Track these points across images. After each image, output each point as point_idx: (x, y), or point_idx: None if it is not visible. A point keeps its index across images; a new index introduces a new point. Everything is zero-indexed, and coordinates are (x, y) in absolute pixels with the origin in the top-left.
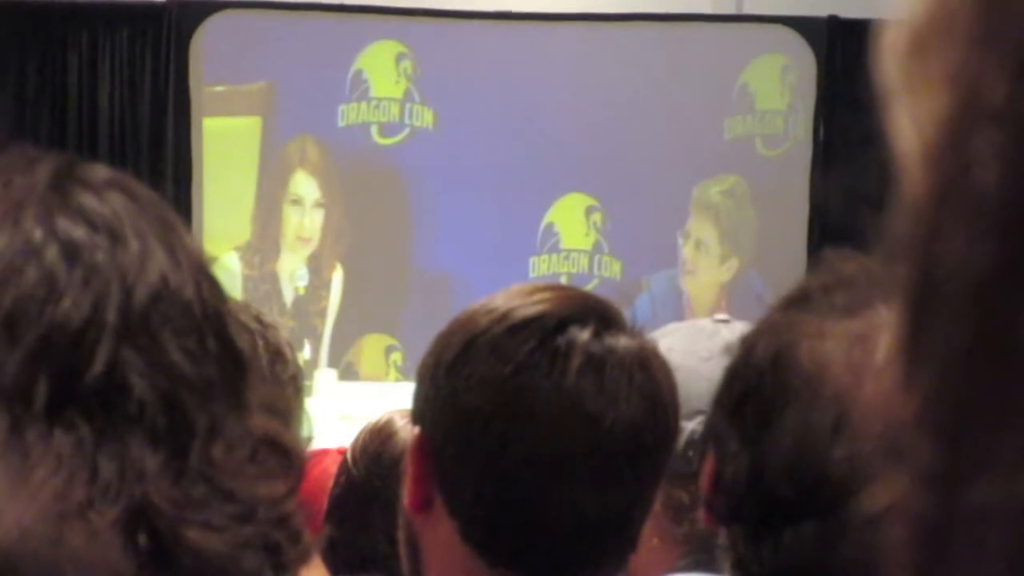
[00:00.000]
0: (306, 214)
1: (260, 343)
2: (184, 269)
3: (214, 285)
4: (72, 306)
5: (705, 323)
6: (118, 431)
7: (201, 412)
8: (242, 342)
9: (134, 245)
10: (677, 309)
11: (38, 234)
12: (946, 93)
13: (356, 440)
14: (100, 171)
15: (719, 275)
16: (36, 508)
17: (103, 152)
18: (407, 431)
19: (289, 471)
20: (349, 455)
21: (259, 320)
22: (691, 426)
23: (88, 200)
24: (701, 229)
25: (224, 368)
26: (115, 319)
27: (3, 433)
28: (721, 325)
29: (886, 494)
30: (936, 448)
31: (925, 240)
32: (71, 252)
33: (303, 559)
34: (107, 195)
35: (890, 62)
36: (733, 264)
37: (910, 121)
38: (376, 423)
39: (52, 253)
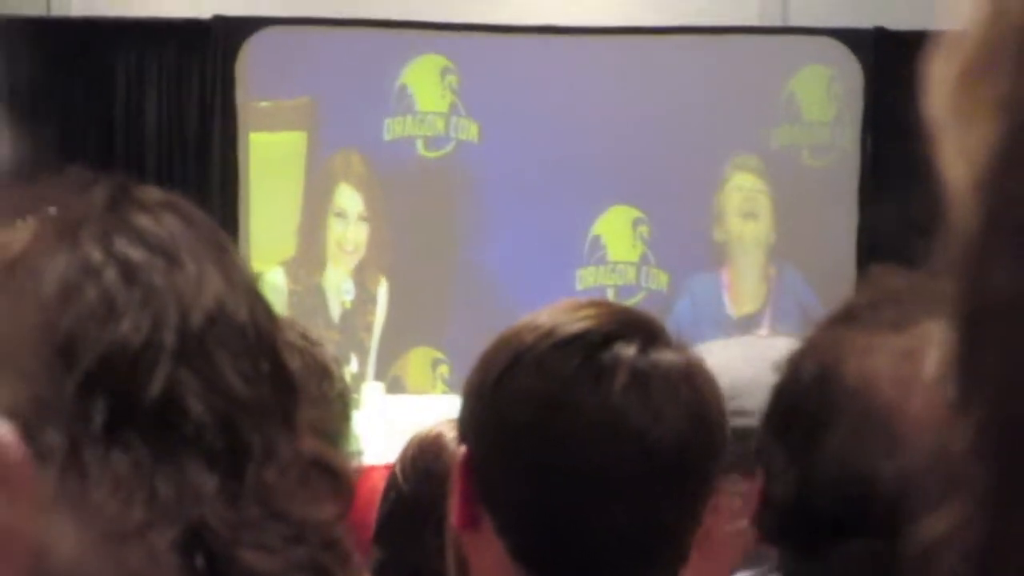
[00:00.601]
0: (350, 226)
1: (307, 361)
2: (238, 292)
3: (266, 308)
4: (131, 328)
5: (751, 338)
6: (175, 453)
7: (256, 434)
8: (293, 364)
9: (191, 267)
10: (719, 309)
11: (97, 255)
12: (996, 120)
13: (405, 453)
14: (154, 193)
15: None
16: (95, 529)
17: (150, 168)
18: (456, 444)
19: (339, 494)
20: (398, 469)
21: (305, 337)
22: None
23: (145, 222)
24: (736, 204)
25: (277, 390)
26: (173, 341)
27: (61, 454)
28: (764, 340)
29: (942, 520)
30: (992, 474)
31: (977, 267)
32: (129, 273)
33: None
34: (162, 217)
35: (939, 92)
36: (771, 236)
37: (960, 150)
38: (425, 435)
39: (111, 274)
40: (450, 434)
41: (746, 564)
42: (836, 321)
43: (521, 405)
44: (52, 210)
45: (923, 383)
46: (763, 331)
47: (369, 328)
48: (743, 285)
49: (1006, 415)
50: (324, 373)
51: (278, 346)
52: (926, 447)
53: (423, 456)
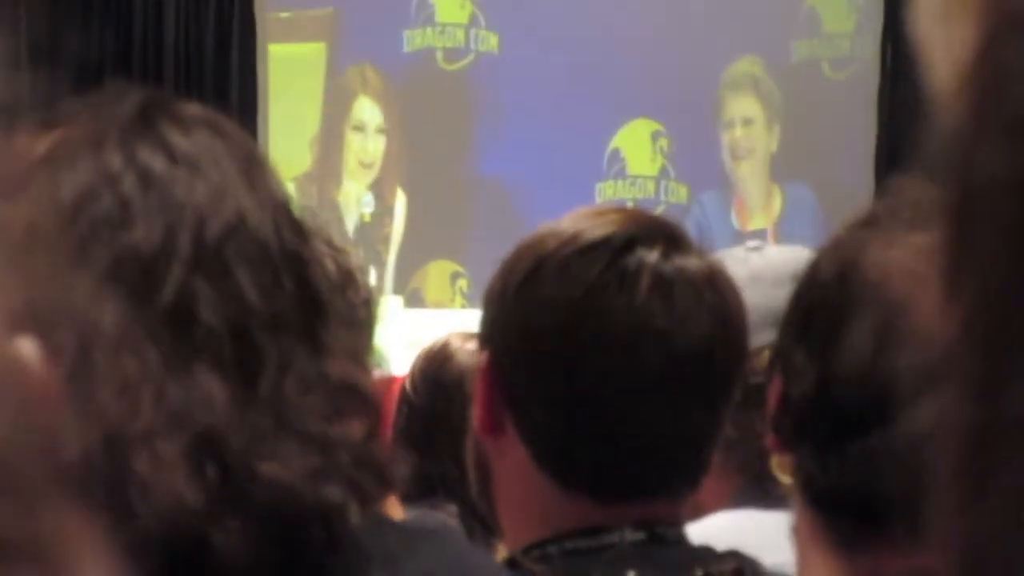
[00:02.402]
0: (369, 139)
1: (331, 267)
2: (264, 207)
3: (295, 224)
4: (144, 233)
5: (737, 251)
6: (186, 359)
7: (272, 346)
8: (322, 285)
9: (214, 179)
10: (726, 223)
11: (117, 162)
12: (979, 15)
13: (414, 366)
14: (193, 108)
15: (768, 145)
16: (100, 430)
17: (168, 78)
18: (464, 353)
19: (368, 414)
20: (408, 383)
21: (331, 245)
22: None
23: (172, 133)
24: (739, 106)
25: (300, 308)
26: (187, 249)
27: (71, 353)
28: (752, 253)
29: (935, 406)
30: (978, 358)
31: (963, 156)
32: (148, 181)
33: (386, 490)
34: (193, 130)
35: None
36: (776, 131)
37: (946, 47)
38: (432, 347)
39: (129, 181)
40: (456, 343)
41: (752, 500)
42: (856, 225)
43: (545, 310)
44: (83, 117)
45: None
46: (753, 243)
47: (387, 241)
48: (750, 201)
49: (991, 299)
50: (349, 279)
51: (306, 265)
52: (932, 341)
53: (430, 366)
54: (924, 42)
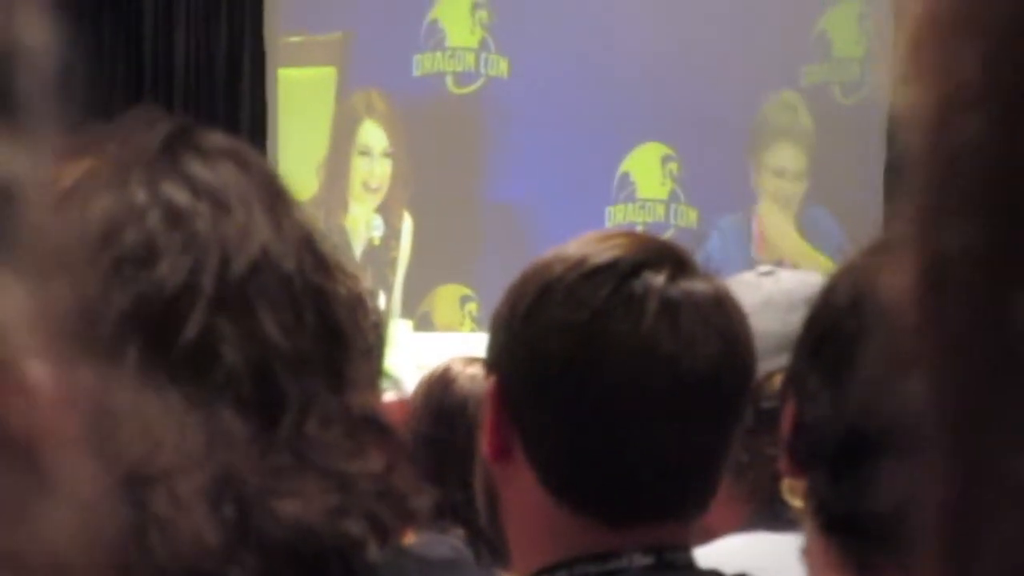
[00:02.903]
0: (376, 163)
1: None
2: (288, 242)
3: (319, 259)
4: (169, 270)
5: (749, 276)
6: (207, 399)
7: (293, 385)
8: (344, 319)
9: (238, 215)
10: (746, 248)
11: (142, 197)
12: (935, 83)
13: (416, 393)
14: (216, 139)
15: (795, 194)
16: (120, 470)
17: (178, 102)
18: (465, 377)
19: (389, 446)
20: (411, 410)
21: (341, 269)
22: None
23: (196, 167)
24: (775, 153)
25: (322, 344)
26: (211, 287)
27: (91, 392)
28: (765, 277)
29: (915, 472)
30: (944, 429)
31: (926, 224)
32: (172, 217)
33: (408, 522)
34: (218, 163)
35: (898, 53)
36: (806, 183)
37: (911, 110)
38: (433, 373)
39: (154, 217)
40: (457, 368)
41: (763, 523)
42: (871, 250)
43: (552, 335)
44: (109, 148)
45: None
46: (764, 268)
47: (393, 264)
48: (772, 231)
49: (952, 371)
50: (359, 303)
51: (328, 300)
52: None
53: (432, 392)
54: (893, 102)
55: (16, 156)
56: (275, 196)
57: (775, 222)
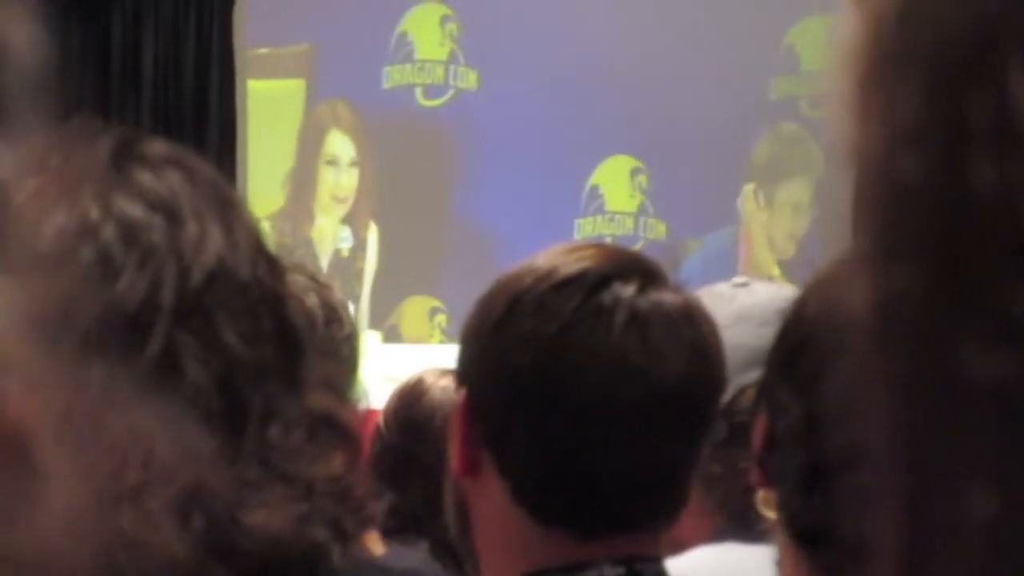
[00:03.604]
0: (342, 173)
1: (316, 301)
2: (241, 249)
3: (271, 263)
4: (128, 288)
5: (722, 288)
6: (173, 414)
7: (256, 394)
8: (299, 321)
9: (191, 226)
10: (732, 269)
11: (95, 212)
12: (878, 123)
13: (387, 404)
14: (158, 147)
15: (783, 227)
16: (88, 491)
17: (146, 114)
18: (437, 390)
19: (347, 447)
20: (381, 419)
21: (314, 280)
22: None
23: (146, 178)
24: (787, 190)
25: (280, 349)
26: (171, 301)
27: (57, 416)
28: (739, 289)
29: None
30: (892, 464)
31: (875, 263)
32: (128, 232)
33: (366, 526)
34: (165, 172)
35: (837, 89)
36: (803, 220)
37: (856, 149)
38: (406, 384)
39: (108, 232)
40: (429, 379)
41: (733, 535)
42: (842, 263)
43: (521, 348)
44: (54, 162)
45: None
46: (739, 279)
47: (361, 275)
48: (759, 252)
49: (901, 419)
50: (333, 314)
51: (283, 303)
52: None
53: (402, 403)
54: (838, 140)
55: (2, 157)
56: (223, 203)
57: (759, 247)
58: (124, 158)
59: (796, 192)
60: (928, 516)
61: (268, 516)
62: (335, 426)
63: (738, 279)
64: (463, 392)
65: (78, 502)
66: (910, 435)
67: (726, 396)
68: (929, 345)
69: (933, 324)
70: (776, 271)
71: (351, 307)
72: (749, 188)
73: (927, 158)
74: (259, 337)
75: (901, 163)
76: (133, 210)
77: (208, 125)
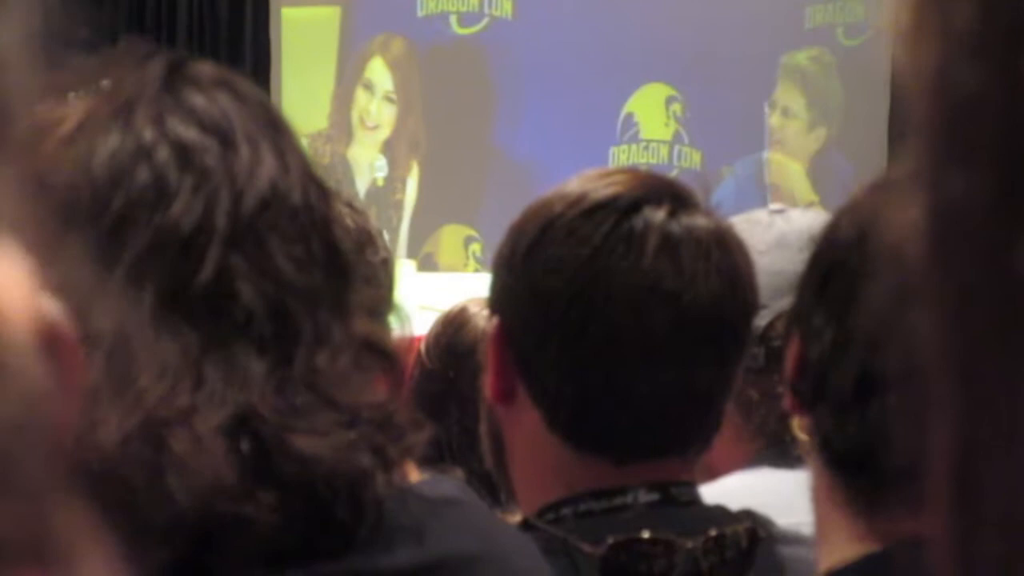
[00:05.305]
0: (374, 101)
1: (352, 226)
2: (292, 174)
3: (320, 188)
4: (182, 211)
5: (760, 215)
6: (224, 338)
7: (307, 319)
8: (347, 246)
9: (244, 149)
10: (761, 193)
11: (149, 135)
12: (934, 36)
13: (430, 331)
14: (208, 69)
15: (807, 144)
16: (139, 413)
17: (181, 43)
18: (481, 319)
19: (390, 372)
20: (423, 347)
21: (351, 206)
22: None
23: (199, 100)
24: (788, 96)
25: (329, 274)
26: (224, 225)
27: (109, 337)
28: (777, 216)
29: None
30: (947, 371)
31: (932, 172)
32: (182, 155)
33: (408, 455)
34: (216, 95)
35: (891, 4)
36: (821, 133)
37: (912, 63)
38: (449, 313)
39: (163, 155)
40: (473, 309)
41: (768, 461)
42: (874, 188)
43: (553, 273)
44: (106, 85)
45: None
46: (775, 206)
47: (399, 207)
48: (786, 147)
49: (960, 325)
50: (368, 239)
51: (332, 229)
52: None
53: (445, 332)
54: (895, 54)
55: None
56: (274, 126)
57: (788, 171)
58: (175, 80)
59: (822, 117)
60: (985, 425)
61: (316, 442)
62: (380, 352)
63: (775, 206)
64: (496, 320)
65: (129, 423)
66: (965, 344)
67: (763, 321)
68: (988, 251)
69: (992, 230)
70: (806, 185)
71: (387, 236)
72: (776, 100)
73: (985, 68)
74: (310, 262)
75: (959, 74)
76: (187, 133)
77: (243, 52)
